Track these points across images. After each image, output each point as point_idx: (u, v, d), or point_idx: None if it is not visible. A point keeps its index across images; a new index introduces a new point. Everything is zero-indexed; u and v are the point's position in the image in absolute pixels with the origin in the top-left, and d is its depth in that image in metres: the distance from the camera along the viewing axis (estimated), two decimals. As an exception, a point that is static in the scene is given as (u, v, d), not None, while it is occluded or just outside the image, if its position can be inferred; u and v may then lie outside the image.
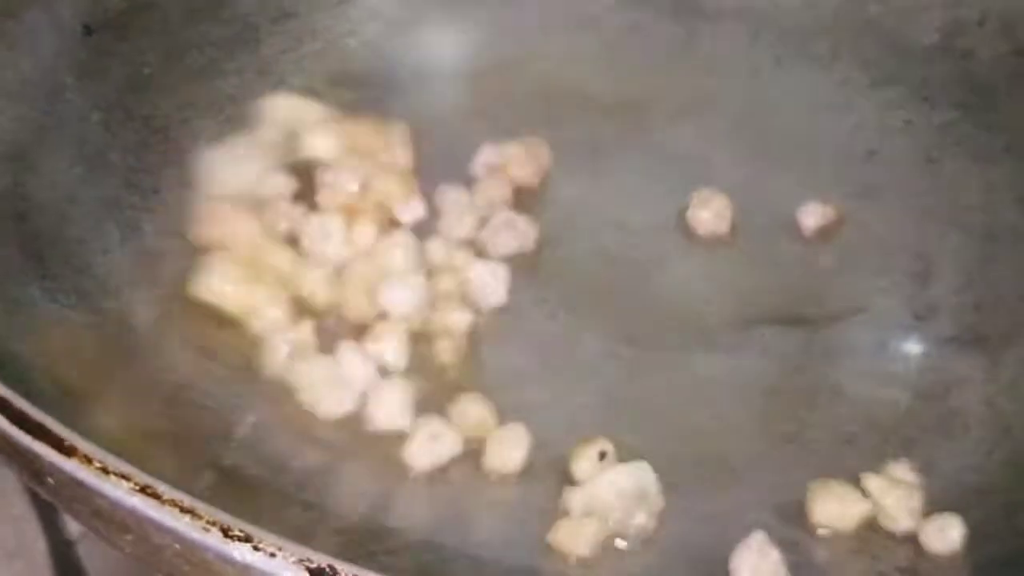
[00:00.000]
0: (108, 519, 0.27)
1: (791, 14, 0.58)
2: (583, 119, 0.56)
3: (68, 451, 0.26)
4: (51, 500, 0.30)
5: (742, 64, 0.58)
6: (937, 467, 0.44)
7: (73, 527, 0.49)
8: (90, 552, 0.49)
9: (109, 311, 0.45)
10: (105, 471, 0.26)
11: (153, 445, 0.38)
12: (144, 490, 0.25)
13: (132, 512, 0.26)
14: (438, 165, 0.53)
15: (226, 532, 0.25)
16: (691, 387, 0.48)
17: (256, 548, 0.25)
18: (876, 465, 0.44)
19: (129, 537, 0.27)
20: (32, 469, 0.28)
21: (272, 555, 0.25)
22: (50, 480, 0.27)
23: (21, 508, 0.49)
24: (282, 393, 0.45)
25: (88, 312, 0.44)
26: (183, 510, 0.25)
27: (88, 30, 0.50)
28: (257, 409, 0.44)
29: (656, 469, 0.42)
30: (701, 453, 0.45)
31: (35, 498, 0.49)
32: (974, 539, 0.42)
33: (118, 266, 0.46)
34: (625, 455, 0.43)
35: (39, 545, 0.48)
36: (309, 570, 0.24)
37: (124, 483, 0.26)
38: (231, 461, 0.41)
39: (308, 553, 0.25)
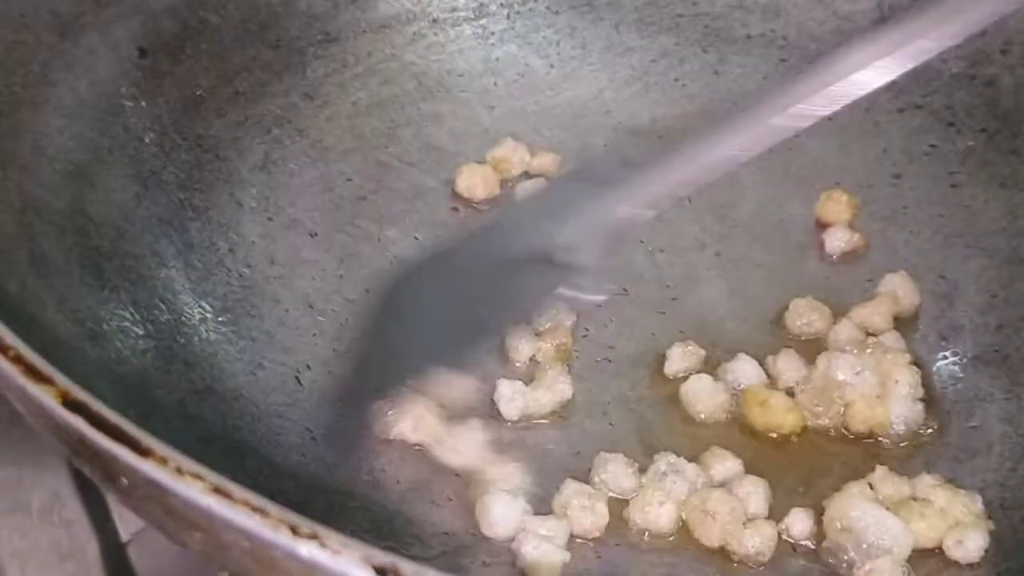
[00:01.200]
0: (180, 517, 0.28)
1: (819, 40, 0.60)
2: (613, 142, 0.58)
3: (144, 452, 0.28)
4: (121, 500, 0.32)
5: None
6: (960, 482, 0.46)
7: (125, 529, 0.50)
8: (141, 554, 0.50)
9: (163, 322, 0.47)
10: (180, 471, 0.27)
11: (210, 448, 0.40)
12: (217, 490, 0.27)
13: (204, 511, 0.27)
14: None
15: (295, 530, 0.26)
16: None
17: (323, 546, 0.26)
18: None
19: (198, 535, 0.29)
20: (107, 470, 0.29)
21: (337, 552, 0.26)
22: (124, 480, 0.29)
23: (74, 510, 0.50)
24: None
25: (144, 323, 0.46)
26: (254, 509, 0.27)
27: (143, 53, 0.52)
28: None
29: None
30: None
31: (87, 500, 0.50)
32: (997, 551, 0.43)
33: (172, 280, 0.48)
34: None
35: (91, 547, 0.49)
36: (374, 567, 0.26)
37: (198, 483, 0.27)
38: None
39: (371, 551, 0.26)
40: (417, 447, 0.46)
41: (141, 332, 0.45)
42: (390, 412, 0.46)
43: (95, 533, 0.50)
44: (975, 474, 0.46)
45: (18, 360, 0.31)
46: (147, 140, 0.51)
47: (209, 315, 0.49)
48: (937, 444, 0.48)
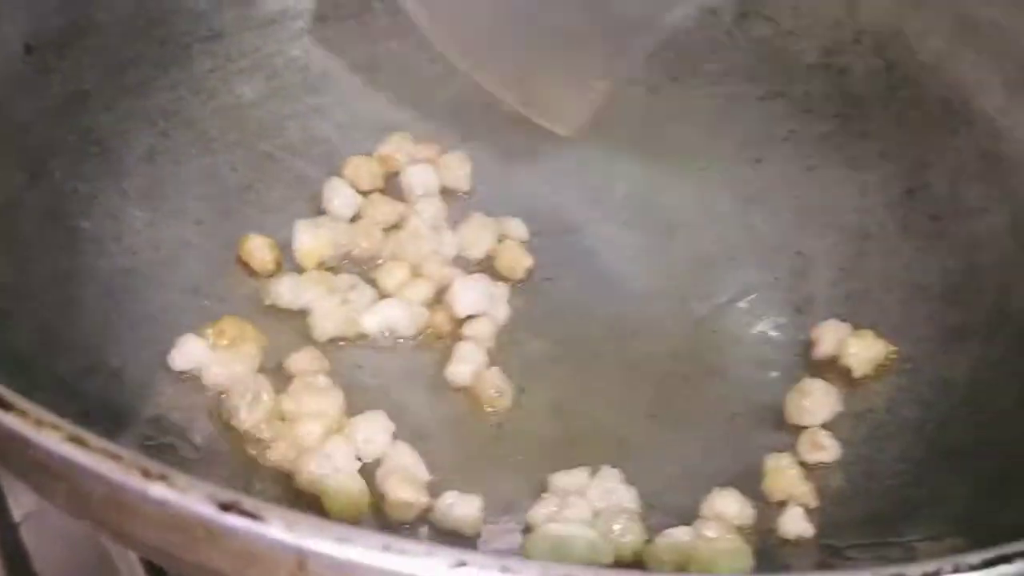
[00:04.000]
0: (43, 470, 0.30)
1: (687, 34, 0.62)
2: (500, 130, 0.61)
3: (6, 406, 0.30)
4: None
5: (641, 82, 0.62)
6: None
7: (16, 511, 0.52)
8: (33, 535, 0.51)
9: (52, 303, 0.48)
10: (39, 423, 0.29)
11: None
12: (73, 439, 0.29)
13: (64, 459, 0.29)
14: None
15: (146, 473, 0.29)
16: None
17: (171, 486, 0.29)
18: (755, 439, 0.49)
19: (63, 486, 0.31)
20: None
21: (184, 491, 0.28)
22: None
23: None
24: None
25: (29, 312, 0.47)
26: (108, 455, 0.29)
27: (29, 49, 0.53)
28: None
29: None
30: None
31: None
32: (839, 497, 0.47)
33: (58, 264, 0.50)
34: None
35: (-18, 529, 0.51)
36: (219, 504, 0.28)
37: (56, 433, 0.29)
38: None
39: (216, 490, 0.28)
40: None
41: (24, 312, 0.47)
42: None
43: (-13, 515, 0.51)
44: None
45: None
46: (33, 132, 0.52)
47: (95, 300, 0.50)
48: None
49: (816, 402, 0.49)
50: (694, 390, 0.52)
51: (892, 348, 0.51)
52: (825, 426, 0.49)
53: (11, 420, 0.30)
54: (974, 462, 0.46)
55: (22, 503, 0.52)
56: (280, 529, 0.28)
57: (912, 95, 0.59)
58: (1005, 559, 0.30)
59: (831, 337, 0.52)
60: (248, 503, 0.28)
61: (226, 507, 0.28)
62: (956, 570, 0.29)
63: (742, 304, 0.55)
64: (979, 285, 0.52)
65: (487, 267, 0.55)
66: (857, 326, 0.52)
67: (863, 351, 0.51)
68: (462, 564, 0.28)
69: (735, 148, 0.61)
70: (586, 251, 0.58)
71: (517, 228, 0.57)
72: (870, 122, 0.59)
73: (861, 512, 0.46)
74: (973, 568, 0.29)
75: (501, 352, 0.52)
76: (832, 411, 0.49)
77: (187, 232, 0.55)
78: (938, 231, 0.55)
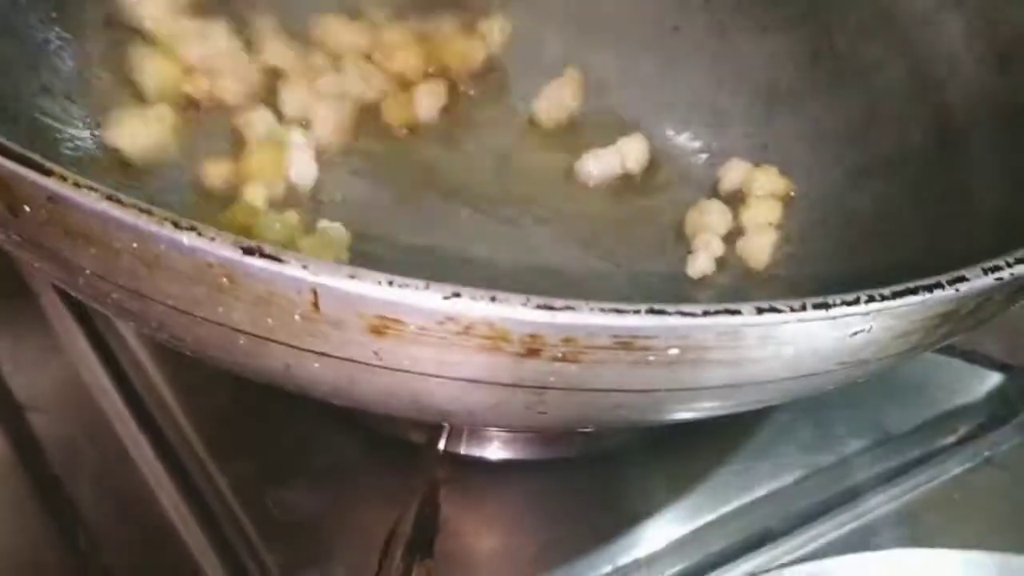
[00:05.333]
0: (76, 234, 0.34)
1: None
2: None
3: (47, 172, 0.33)
4: (24, 234, 0.37)
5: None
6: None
7: (23, 394, 0.55)
8: (41, 420, 0.54)
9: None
10: (78, 185, 0.33)
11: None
12: (110, 198, 0.33)
13: (101, 216, 0.32)
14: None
15: (176, 224, 0.32)
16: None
17: (200, 234, 0.32)
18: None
19: (92, 251, 0.34)
20: (11, 200, 0.35)
21: (213, 239, 0.32)
22: (26, 208, 0.34)
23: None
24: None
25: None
26: (140, 211, 0.32)
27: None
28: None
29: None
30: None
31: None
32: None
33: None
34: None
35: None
36: (242, 249, 0.32)
37: (93, 193, 0.33)
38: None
39: (241, 238, 0.32)
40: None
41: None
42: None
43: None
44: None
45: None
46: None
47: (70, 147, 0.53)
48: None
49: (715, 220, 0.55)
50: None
51: (792, 184, 0.57)
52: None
53: (51, 183, 0.33)
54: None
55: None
56: (297, 268, 0.32)
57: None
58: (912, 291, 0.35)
59: (735, 174, 0.57)
60: (268, 247, 0.32)
61: (249, 251, 0.32)
62: (871, 299, 0.34)
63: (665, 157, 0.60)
64: (879, 131, 0.57)
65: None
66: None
67: (767, 184, 0.56)
68: (456, 295, 0.32)
69: (651, 19, 0.65)
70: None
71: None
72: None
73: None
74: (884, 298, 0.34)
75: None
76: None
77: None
78: (841, 85, 0.60)
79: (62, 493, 0.51)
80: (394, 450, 0.51)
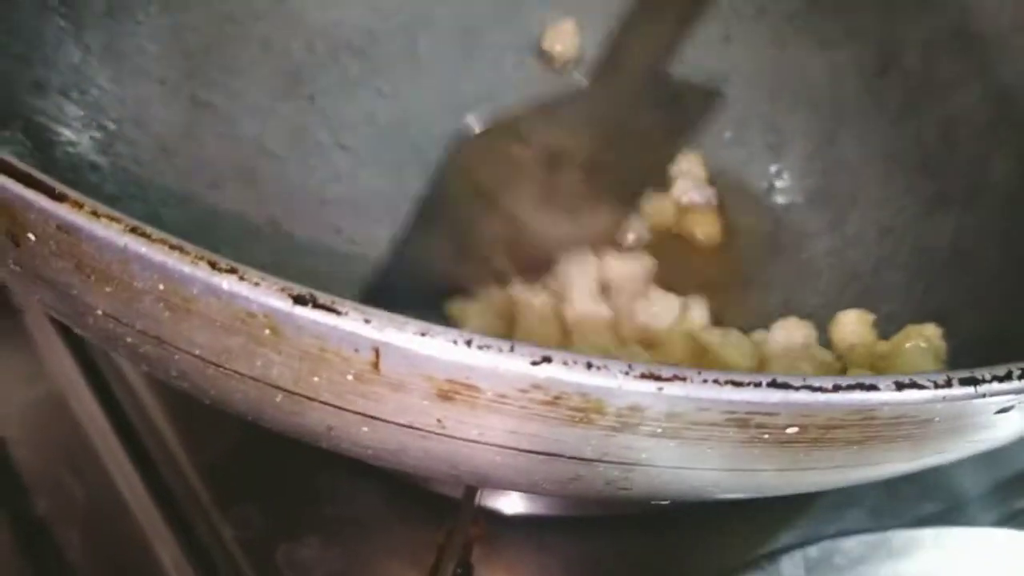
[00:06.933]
0: (91, 269, 0.29)
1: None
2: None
3: (59, 197, 0.28)
4: (19, 272, 0.31)
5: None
6: (794, 304, 0.49)
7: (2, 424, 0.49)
8: (23, 452, 0.49)
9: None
10: (96, 214, 0.27)
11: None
12: (134, 230, 0.27)
13: (121, 251, 0.27)
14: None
15: (213, 265, 0.27)
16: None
17: (242, 279, 0.27)
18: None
19: (109, 289, 0.29)
20: (13, 226, 0.29)
21: (256, 285, 0.27)
22: (31, 237, 0.29)
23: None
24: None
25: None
26: (171, 247, 0.27)
27: None
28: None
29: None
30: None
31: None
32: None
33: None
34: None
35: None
36: (292, 297, 0.27)
37: (115, 224, 0.27)
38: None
39: (288, 283, 0.27)
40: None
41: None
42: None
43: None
44: (811, 297, 0.50)
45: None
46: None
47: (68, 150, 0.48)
48: (774, 274, 0.51)
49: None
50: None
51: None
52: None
53: (64, 211, 0.27)
54: (959, 324, 0.47)
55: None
56: (358, 322, 0.27)
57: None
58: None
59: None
60: (323, 297, 0.27)
61: (300, 300, 0.27)
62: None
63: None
64: (956, 157, 0.53)
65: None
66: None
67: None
68: (547, 360, 0.27)
69: (702, 28, 0.60)
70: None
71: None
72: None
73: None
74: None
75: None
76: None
77: (151, 90, 0.52)
78: (912, 107, 0.55)
79: (49, 539, 0.45)
80: (420, 502, 0.46)
